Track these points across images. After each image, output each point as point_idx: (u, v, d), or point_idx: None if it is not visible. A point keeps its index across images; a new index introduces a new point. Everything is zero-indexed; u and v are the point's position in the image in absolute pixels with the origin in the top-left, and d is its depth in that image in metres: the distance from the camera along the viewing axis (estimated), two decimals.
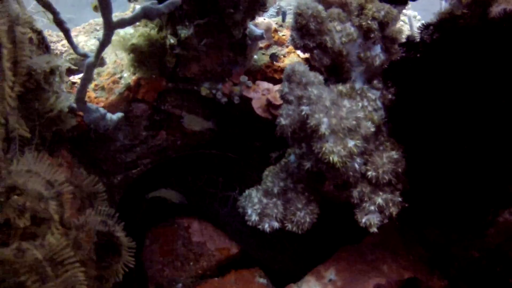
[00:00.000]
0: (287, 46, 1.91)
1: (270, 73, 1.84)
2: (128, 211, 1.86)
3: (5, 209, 0.86)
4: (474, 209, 1.66)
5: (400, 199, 1.52)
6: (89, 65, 1.59)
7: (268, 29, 1.88)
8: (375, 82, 1.62)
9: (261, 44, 1.90)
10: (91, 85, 1.87)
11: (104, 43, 1.55)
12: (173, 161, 1.89)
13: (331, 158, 1.32)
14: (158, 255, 1.94)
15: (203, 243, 1.94)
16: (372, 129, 1.46)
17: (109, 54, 2.00)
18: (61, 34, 2.29)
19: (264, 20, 1.90)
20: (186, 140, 1.95)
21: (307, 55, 1.80)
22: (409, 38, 1.57)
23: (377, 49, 1.64)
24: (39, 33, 1.71)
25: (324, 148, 1.32)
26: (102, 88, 1.85)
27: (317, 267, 1.82)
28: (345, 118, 1.34)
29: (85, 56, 1.62)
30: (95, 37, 2.16)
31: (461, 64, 1.43)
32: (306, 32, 1.51)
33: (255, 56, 1.85)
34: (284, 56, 1.88)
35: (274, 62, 1.83)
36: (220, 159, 1.85)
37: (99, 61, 1.60)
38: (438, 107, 1.50)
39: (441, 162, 1.57)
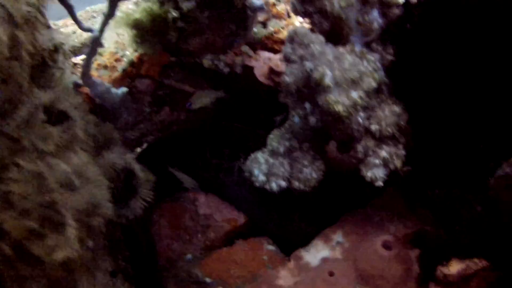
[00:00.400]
0: (285, 19, 1.93)
1: (270, 44, 1.86)
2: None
3: None
4: (475, 163, 1.68)
5: (403, 152, 1.54)
6: (94, 39, 1.60)
7: (266, 3, 1.90)
8: (373, 45, 1.65)
9: (260, 18, 1.92)
10: (94, 65, 1.86)
11: (109, 16, 1.56)
12: (176, 134, 1.88)
13: (336, 108, 1.33)
14: (166, 229, 1.92)
15: (210, 215, 1.93)
16: (374, 84, 1.48)
17: (107, 40, 2.00)
18: (58, 23, 2.31)
19: None
20: (190, 115, 1.95)
21: (307, 24, 1.82)
22: None
23: (374, 13, 1.67)
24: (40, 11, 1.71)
25: (329, 99, 1.34)
26: (105, 67, 1.85)
27: (324, 230, 1.83)
28: (348, 69, 1.36)
29: (89, 31, 1.63)
30: (92, 24, 2.15)
31: (458, 21, 1.46)
32: None
33: (255, 29, 1.87)
34: (283, 29, 1.89)
35: (273, 34, 1.85)
36: (225, 129, 1.85)
37: (103, 35, 1.61)
38: (438, 63, 1.52)
39: (442, 117, 1.60)
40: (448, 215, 1.84)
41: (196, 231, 1.92)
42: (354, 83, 1.38)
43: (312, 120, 1.47)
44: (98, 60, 1.88)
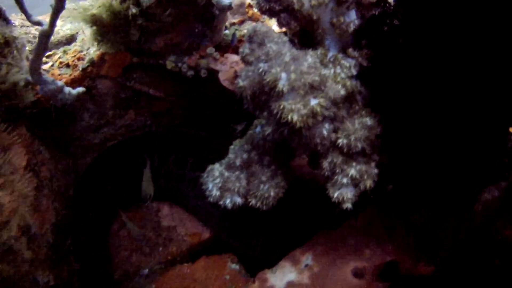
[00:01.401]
0: (262, 22, 1.69)
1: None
2: (90, 194, 1.63)
3: None
4: (459, 187, 1.41)
5: (376, 171, 1.27)
6: (42, 33, 1.38)
7: (241, 4, 1.66)
8: (350, 50, 1.38)
9: (235, 19, 1.68)
10: (56, 63, 1.66)
11: (57, 9, 1.34)
12: (138, 138, 1.65)
13: (289, 117, 1.08)
14: (126, 240, 1.70)
15: (173, 227, 1.70)
16: (343, 92, 1.21)
17: (80, 34, 1.80)
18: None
19: None
20: (156, 120, 1.72)
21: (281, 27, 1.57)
22: None
23: (352, 15, 1.40)
24: None
25: (282, 107, 1.08)
26: (67, 65, 1.64)
27: (293, 251, 1.57)
28: (306, 73, 1.11)
29: (39, 24, 1.42)
30: (70, 22, 1.96)
31: (444, 21, 1.19)
32: None
33: (226, 31, 1.63)
34: None
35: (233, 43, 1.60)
36: (189, 137, 1.62)
37: (53, 30, 1.39)
38: (420, 70, 1.26)
39: (424, 131, 1.33)
40: (430, 243, 1.56)
41: (157, 244, 1.69)
42: (314, 88, 1.12)
43: (268, 130, 1.22)
44: (62, 58, 1.68)
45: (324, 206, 1.64)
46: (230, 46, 1.59)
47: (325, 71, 1.16)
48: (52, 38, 1.97)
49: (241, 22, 1.69)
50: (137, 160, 1.64)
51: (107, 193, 1.66)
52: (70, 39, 1.90)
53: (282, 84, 1.09)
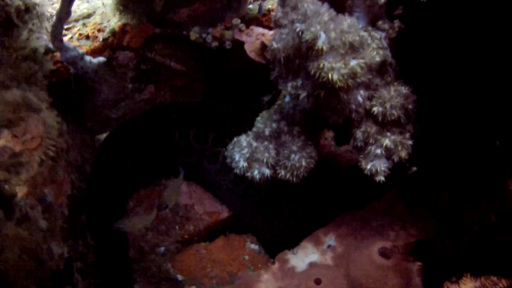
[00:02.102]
0: None
1: (267, 22, 1.52)
2: (108, 168, 1.53)
3: None
4: (489, 163, 1.31)
5: (410, 142, 1.18)
6: None
7: None
8: (379, 23, 1.29)
9: None
10: (76, 35, 1.57)
11: None
12: (157, 110, 1.55)
13: (330, 76, 0.98)
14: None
15: (191, 206, 1.59)
16: (378, 59, 1.12)
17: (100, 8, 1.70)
18: None
19: None
20: (177, 96, 1.63)
21: None
22: None
23: None
24: None
25: (322, 65, 0.99)
26: (87, 37, 1.55)
27: (315, 231, 1.46)
28: (346, 32, 1.02)
29: None
30: (88, 1, 1.87)
31: None
32: None
33: (250, 5, 1.55)
34: None
35: (270, 12, 1.51)
36: (211, 110, 1.52)
37: None
38: (452, 44, 1.17)
39: (454, 106, 1.23)
40: (456, 224, 1.46)
41: (174, 222, 1.59)
42: (354, 49, 1.03)
43: (303, 95, 1.12)
44: (81, 30, 1.59)
45: (347, 186, 1.56)
46: (255, 19, 1.50)
47: (363, 33, 1.07)
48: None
49: None
50: (157, 134, 1.54)
51: (126, 168, 1.56)
52: (87, 18, 1.81)
53: (322, 43, 0.99)
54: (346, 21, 1.04)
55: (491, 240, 1.40)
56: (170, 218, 1.58)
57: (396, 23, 1.29)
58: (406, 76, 1.30)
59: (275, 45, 1.10)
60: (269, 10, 1.53)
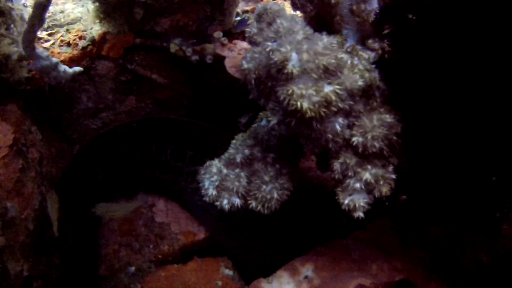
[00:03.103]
0: None
1: None
2: (79, 181, 1.40)
3: None
4: (486, 204, 1.14)
5: (393, 176, 1.01)
6: (38, 3, 1.17)
7: None
8: (369, 41, 1.13)
9: (248, 7, 1.45)
10: (58, 41, 1.45)
11: None
12: (134, 124, 1.41)
13: (298, 104, 0.83)
14: (116, 234, 1.46)
15: (167, 224, 1.46)
16: (360, 83, 0.96)
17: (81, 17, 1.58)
18: None
19: None
20: (158, 109, 1.49)
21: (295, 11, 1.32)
22: None
23: (374, 3, 1.16)
24: None
25: (290, 91, 0.84)
26: (68, 44, 1.43)
27: (292, 261, 1.31)
28: (321, 53, 0.86)
29: None
30: (82, 5, 1.75)
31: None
32: None
33: (238, 18, 1.40)
34: None
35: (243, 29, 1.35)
36: (190, 127, 1.38)
37: (51, 1, 1.18)
38: (449, 65, 1.00)
39: (449, 134, 1.07)
40: (446, 261, 1.29)
41: (148, 241, 1.45)
42: (329, 73, 0.88)
43: (274, 120, 0.97)
44: (64, 37, 1.47)
45: (330, 213, 1.40)
46: (241, 33, 1.35)
47: (342, 55, 0.91)
48: (62, 20, 1.77)
49: (253, 10, 1.45)
50: (133, 148, 1.40)
51: (98, 181, 1.43)
52: (73, 24, 1.69)
53: (292, 65, 0.84)
54: (322, 40, 0.88)
55: (484, 280, 1.23)
56: (145, 236, 1.44)
57: (387, 42, 1.13)
58: (395, 101, 1.14)
59: (245, 65, 0.96)
60: None
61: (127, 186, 1.46)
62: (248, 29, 1.01)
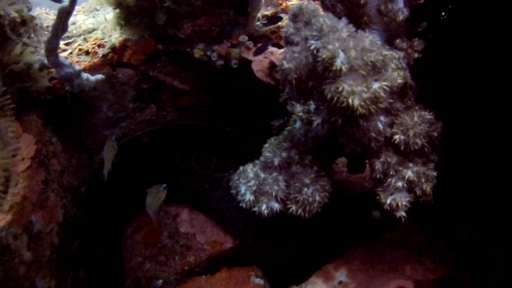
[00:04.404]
0: None
1: (276, 39, 1.38)
2: (103, 192, 1.37)
3: None
4: None
5: (435, 173, 1.02)
6: (62, 10, 1.16)
7: None
8: (397, 41, 1.15)
9: (267, 11, 1.46)
10: (75, 50, 1.43)
11: None
12: (158, 132, 1.39)
13: (350, 101, 0.83)
14: (140, 246, 1.43)
15: (193, 235, 1.43)
16: (400, 80, 0.97)
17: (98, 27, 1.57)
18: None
19: None
20: (180, 116, 1.48)
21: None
22: None
23: (400, 2, 1.18)
24: None
25: (340, 88, 0.84)
26: (87, 53, 1.41)
27: (325, 266, 1.30)
28: (368, 50, 0.86)
29: (58, 1, 1.20)
30: (93, 17, 1.74)
31: None
32: None
33: (258, 22, 1.40)
34: None
35: (280, 29, 1.36)
36: (214, 133, 1.36)
37: (74, 7, 1.17)
38: (482, 64, 1.02)
39: (481, 134, 1.08)
40: (479, 261, 1.29)
41: (173, 252, 1.42)
42: (376, 70, 0.88)
43: (317, 122, 0.97)
44: (81, 46, 1.45)
45: (360, 216, 1.39)
46: (264, 37, 1.35)
47: (386, 52, 0.92)
48: (74, 31, 1.75)
49: (274, 14, 1.46)
50: (157, 156, 1.38)
51: (122, 192, 1.40)
52: (89, 33, 1.68)
53: (341, 62, 0.84)
54: (368, 38, 0.88)
55: None
56: (170, 248, 1.41)
57: (416, 41, 1.14)
58: (428, 99, 1.15)
59: (286, 65, 0.95)
60: (278, 27, 1.39)
61: None
62: (284, 29, 1.01)
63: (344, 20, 0.93)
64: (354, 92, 0.83)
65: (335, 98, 0.86)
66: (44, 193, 1.23)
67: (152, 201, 1.20)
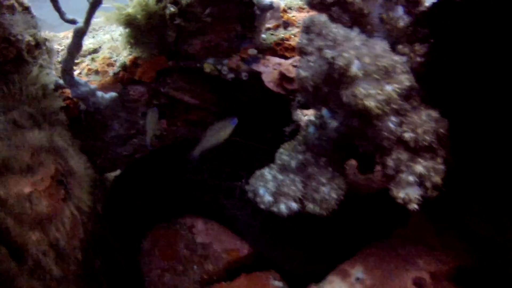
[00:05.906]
0: (297, 27, 1.56)
1: (281, 51, 1.48)
2: (119, 208, 1.43)
3: None
4: None
5: (443, 167, 1.12)
6: (77, 30, 1.24)
7: (277, 8, 1.54)
8: (400, 47, 1.26)
9: (270, 24, 1.56)
10: (84, 70, 1.50)
11: (94, 4, 1.20)
12: (170, 148, 1.46)
13: (366, 103, 0.93)
14: (158, 259, 1.48)
15: (209, 244, 1.49)
16: (407, 83, 1.08)
17: (103, 46, 1.64)
18: (59, 35, 1.96)
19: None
20: (189, 130, 1.55)
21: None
22: None
23: (400, 10, 1.30)
24: (25, 8, 1.36)
25: (357, 92, 0.94)
26: (96, 72, 1.48)
27: (341, 264, 1.38)
28: (381, 56, 0.97)
29: (73, 22, 1.28)
30: (93, 37, 1.81)
31: None
32: None
33: (263, 35, 1.50)
34: (295, 36, 1.53)
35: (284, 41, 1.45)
36: (224, 144, 1.44)
37: (88, 27, 1.24)
38: (486, 66, 1.13)
39: (485, 127, 1.19)
40: (493, 251, 1.38)
41: (192, 262, 1.48)
42: (388, 74, 0.98)
43: (332, 126, 1.06)
44: (90, 65, 1.52)
45: (371, 214, 1.49)
46: (270, 49, 1.45)
47: (395, 57, 1.03)
48: None
49: (276, 27, 1.57)
50: (170, 171, 1.45)
51: (137, 207, 1.46)
52: (95, 53, 1.75)
53: (356, 68, 0.94)
54: (379, 45, 0.99)
55: None
56: (188, 258, 1.47)
57: (417, 46, 1.26)
58: (432, 100, 1.25)
59: (303, 74, 1.05)
60: (282, 39, 1.49)
61: (166, 210, 1.50)
62: (298, 40, 1.11)
63: (356, 30, 1.04)
64: (370, 95, 0.93)
65: (352, 101, 0.96)
66: (64, 211, 1.29)
67: (149, 124, 1.34)
